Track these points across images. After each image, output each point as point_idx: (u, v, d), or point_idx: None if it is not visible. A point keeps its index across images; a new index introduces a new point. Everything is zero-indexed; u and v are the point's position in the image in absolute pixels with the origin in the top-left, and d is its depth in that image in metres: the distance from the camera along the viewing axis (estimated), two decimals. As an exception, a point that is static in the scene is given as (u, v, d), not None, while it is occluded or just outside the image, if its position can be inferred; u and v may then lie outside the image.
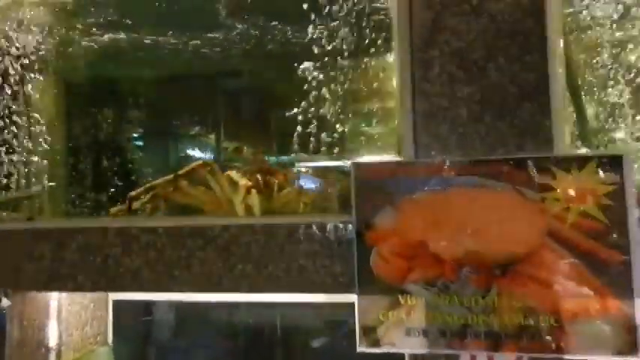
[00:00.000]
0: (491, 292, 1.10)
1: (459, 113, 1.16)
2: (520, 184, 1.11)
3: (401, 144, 1.23)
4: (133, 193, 1.40)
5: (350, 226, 1.20)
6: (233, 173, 1.40)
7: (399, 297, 1.14)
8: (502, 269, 1.11)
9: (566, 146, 1.11)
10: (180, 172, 1.40)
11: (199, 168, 1.41)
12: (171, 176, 1.41)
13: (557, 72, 1.11)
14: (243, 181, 1.35)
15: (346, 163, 1.42)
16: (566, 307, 1.08)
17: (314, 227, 1.22)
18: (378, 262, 1.16)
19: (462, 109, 1.15)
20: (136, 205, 1.40)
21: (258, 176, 1.42)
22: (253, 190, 1.34)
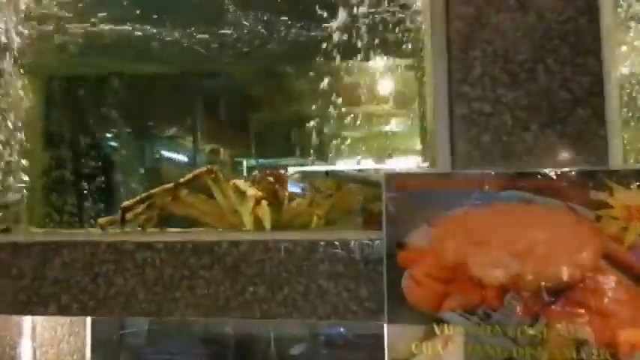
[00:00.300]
0: (539, 321, 0.98)
1: (502, 120, 1.03)
2: (572, 200, 0.99)
3: (435, 153, 1.09)
4: (127, 202, 1.23)
5: (378, 244, 1.05)
6: (240, 182, 1.24)
7: (435, 326, 1.01)
8: (552, 296, 0.97)
9: (623, 158, 0.98)
10: (182, 179, 1.24)
11: (203, 175, 1.25)
12: (171, 185, 1.25)
13: (614, 75, 0.98)
14: (252, 191, 1.20)
15: (358, 169, 1.28)
16: (623, 338, 0.95)
17: (337, 245, 1.07)
18: (410, 286, 1.03)
19: (506, 115, 1.03)
20: (129, 216, 1.23)
21: (270, 180, 1.27)
22: (263, 202, 1.19)
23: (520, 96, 1.05)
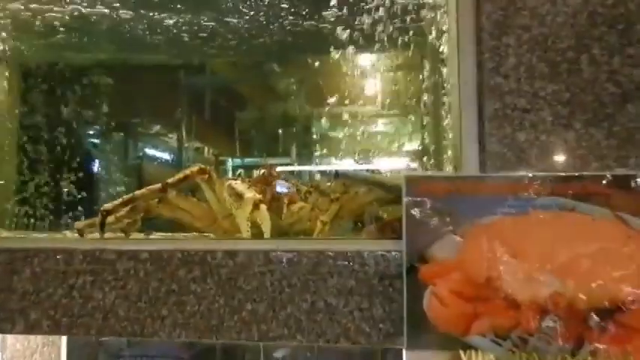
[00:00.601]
0: (583, 348, 0.85)
1: (541, 116, 0.90)
2: (622, 208, 0.86)
3: (460, 153, 0.95)
4: (108, 205, 1.08)
5: (396, 256, 0.91)
6: (236, 183, 1.09)
7: (461, 353, 0.87)
8: (598, 319, 0.84)
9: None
10: (171, 180, 1.09)
11: (194, 175, 1.10)
12: (158, 185, 1.10)
13: (669, 68, 0.85)
14: (250, 194, 1.06)
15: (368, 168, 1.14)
16: (679, 369, 0.82)
17: (348, 256, 0.93)
18: (434, 305, 0.89)
19: (545, 111, 0.90)
20: (110, 220, 1.08)
21: (269, 180, 1.12)
22: (262, 206, 1.05)
23: (561, 89, 0.92)
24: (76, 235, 1.22)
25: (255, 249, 1.00)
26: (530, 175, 0.91)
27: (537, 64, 0.93)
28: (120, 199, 1.11)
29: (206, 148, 6.75)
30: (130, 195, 1.11)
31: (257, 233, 1.13)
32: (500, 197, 0.92)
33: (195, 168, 1.14)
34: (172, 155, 5.80)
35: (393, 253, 0.96)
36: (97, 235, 1.18)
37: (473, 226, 0.92)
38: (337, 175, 1.08)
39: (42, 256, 1.05)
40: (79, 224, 1.22)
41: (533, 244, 0.91)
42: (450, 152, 1.31)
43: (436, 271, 0.93)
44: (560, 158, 0.92)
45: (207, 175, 1.15)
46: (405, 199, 0.94)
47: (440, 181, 0.94)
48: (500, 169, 0.93)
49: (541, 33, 0.94)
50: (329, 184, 1.21)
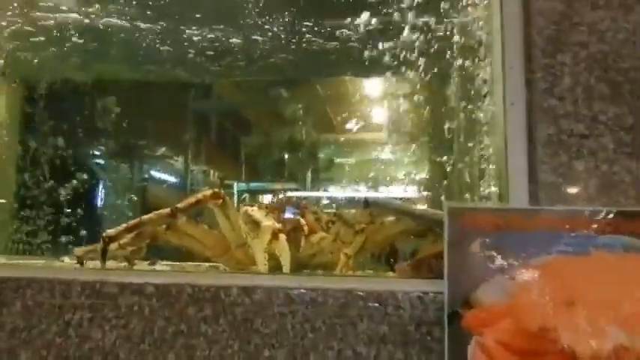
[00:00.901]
0: (653, 411, 0.71)
1: (601, 143, 0.79)
2: (698, 251, 0.74)
3: (506, 183, 0.84)
4: (111, 231, 0.97)
5: (436, 298, 0.80)
6: (253, 210, 0.98)
7: (512, 413, 0.74)
8: (671, 378, 0.72)
9: None
10: (181, 204, 0.98)
11: (207, 200, 0.99)
12: (167, 210, 0.99)
13: None
14: (268, 222, 0.95)
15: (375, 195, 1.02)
16: None
17: (381, 297, 0.81)
18: (480, 358, 0.76)
19: (606, 137, 0.79)
20: (113, 247, 0.97)
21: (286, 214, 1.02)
22: (282, 236, 0.94)
23: (624, 113, 0.82)
24: (75, 263, 1.11)
25: (274, 285, 0.89)
26: (590, 209, 0.80)
27: (596, 85, 0.83)
28: (124, 225, 1.00)
29: (211, 172, 6.66)
30: (136, 220, 1.00)
31: (274, 266, 1.02)
32: (555, 234, 0.81)
33: (208, 192, 1.04)
34: (178, 178, 5.71)
35: (432, 295, 0.85)
36: (98, 263, 1.06)
37: (525, 267, 0.81)
38: (367, 203, 0.97)
39: (35, 287, 0.94)
40: (78, 251, 1.12)
41: (595, 290, 0.79)
42: (483, 181, 1.20)
43: (483, 319, 0.81)
44: (623, 191, 0.80)
45: (221, 200, 1.04)
46: (447, 234, 0.82)
47: (487, 214, 0.83)
48: (555, 202, 0.82)
49: (600, 51, 0.84)
50: (353, 211, 1.10)
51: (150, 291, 0.91)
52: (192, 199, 1.03)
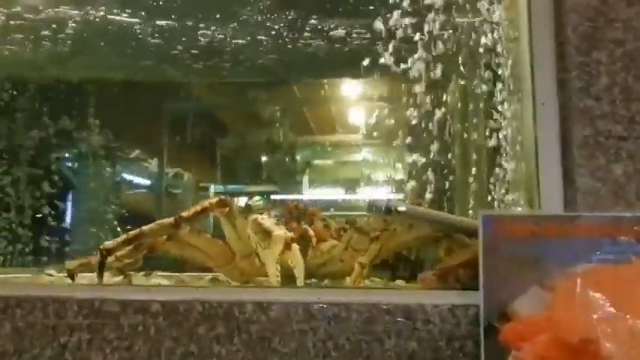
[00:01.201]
0: None
1: (640, 146, 0.74)
2: None
3: (536, 188, 0.79)
4: (109, 243, 0.89)
5: (469, 312, 0.74)
6: (263, 218, 0.91)
7: None
8: None
9: None
10: (186, 213, 0.91)
11: (212, 208, 0.92)
12: (170, 220, 0.92)
13: None
14: (280, 231, 0.88)
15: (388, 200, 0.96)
16: None
17: (409, 311, 0.76)
18: (518, 374, 0.71)
19: (646, 139, 0.74)
20: (111, 260, 0.89)
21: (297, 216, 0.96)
22: (294, 246, 0.87)
23: (664, 114, 0.76)
24: (65, 277, 1.03)
25: (292, 300, 0.83)
26: (630, 214, 0.76)
27: (634, 85, 0.79)
28: (123, 236, 0.92)
29: (186, 174, 6.52)
30: (136, 231, 0.92)
31: (286, 278, 0.95)
32: (595, 241, 0.77)
33: (214, 200, 0.96)
34: (152, 180, 5.56)
35: (463, 308, 0.79)
36: (91, 278, 0.98)
37: (563, 277, 0.76)
38: (389, 210, 0.91)
39: (26, 307, 0.86)
40: (70, 265, 1.03)
41: (638, 299, 0.74)
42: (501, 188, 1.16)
43: (521, 332, 0.76)
44: (666, 196, 0.76)
45: (227, 209, 0.97)
46: (482, 242, 0.77)
47: (523, 221, 0.77)
48: (593, 208, 0.78)
49: (636, 48, 0.80)
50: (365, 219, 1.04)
51: (155, 309, 0.84)
52: (197, 208, 0.96)
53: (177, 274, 1.23)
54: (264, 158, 6.13)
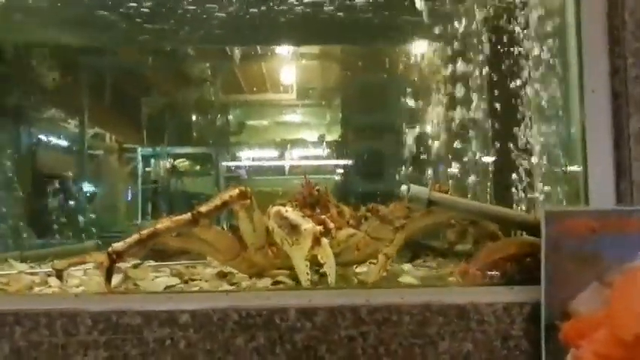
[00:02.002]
0: None
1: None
2: None
3: (585, 181, 0.76)
4: (118, 245, 0.78)
5: (525, 310, 0.71)
6: (288, 211, 0.83)
7: None
8: None
9: None
10: (205, 208, 0.81)
11: (234, 201, 0.83)
12: (187, 216, 0.82)
13: None
14: (308, 224, 0.81)
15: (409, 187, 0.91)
16: None
17: (463, 311, 0.72)
18: (578, 373, 0.70)
19: None
20: (120, 262, 0.78)
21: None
22: (324, 240, 0.80)
23: None
24: (48, 276, 0.90)
25: (338, 304, 0.76)
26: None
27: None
28: (135, 237, 0.81)
29: (108, 135, 6.13)
30: (150, 230, 0.81)
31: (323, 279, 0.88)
32: (652, 236, 0.75)
33: (234, 192, 0.86)
34: (72, 142, 5.19)
35: (518, 307, 0.76)
36: (84, 280, 0.86)
37: (623, 273, 0.74)
38: (431, 202, 0.85)
39: (27, 324, 0.74)
40: (57, 264, 0.90)
41: (694, 294, 0.74)
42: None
43: (580, 330, 0.75)
44: None
45: (248, 201, 0.87)
46: (544, 239, 0.73)
47: (584, 217, 0.74)
48: (647, 201, 0.76)
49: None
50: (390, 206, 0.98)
51: (184, 320, 0.74)
52: (216, 202, 0.85)
53: (168, 263, 1.12)
54: (193, 118, 5.88)
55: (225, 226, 1.06)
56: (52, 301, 0.76)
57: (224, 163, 5.74)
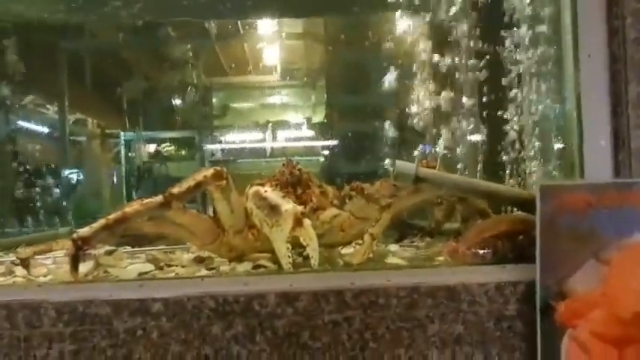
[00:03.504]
0: None
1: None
2: None
3: (577, 151, 0.72)
4: (84, 231, 0.73)
5: (519, 289, 0.68)
6: (267, 191, 0.79)
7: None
8: None
9: None
10: (177, 189, 0.76)
11: (208, 181, 0.78)
12: (158, 198, 0.76)
13: None
14: (289, 205, 0.76)
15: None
16: None
17: (453, 291, 0.68)
18: (574, 352, 0.67)
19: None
20: (88, 249, 0.73)
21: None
22: (306, 221, 0.75)
23: None
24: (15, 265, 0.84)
25: (322, 288, 0.71)
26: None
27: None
28: (101, 222, 0.75)
29: (90, 120, 6.01)
30: (117, 215, 0.76)
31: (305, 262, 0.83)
32: (650, 210, 0.71)
33: (209, 171, 0.80)
34: (52, 128, 5.07)
35: (512, 286, 0.72)
36: (62, 269, 0.81)
37: (618, 248, 0.71)
38: (418, 178, 0.80)
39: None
40: (22, 252, 0.84)
41: (694, 269, 0.71)
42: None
43: (576, 310, 0.71)
44: None
45: (224, 182, 0.81)
46: (540, 215, 0.69)
47: (580, 192, 0.70)
48: (645, 173, 0.72)
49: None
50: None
51: (157, 308, 0.70)
52: (190, 182, 0.80)
53: (145, 249, 1.07)
54: (177, 101, 5.78)
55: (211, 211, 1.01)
56: (13, 292, 0.70)
57: (208, 146, 5.66)
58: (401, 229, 1.12)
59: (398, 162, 0.83)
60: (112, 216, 0.76)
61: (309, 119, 6.28)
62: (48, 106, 5.12)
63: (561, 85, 0.84)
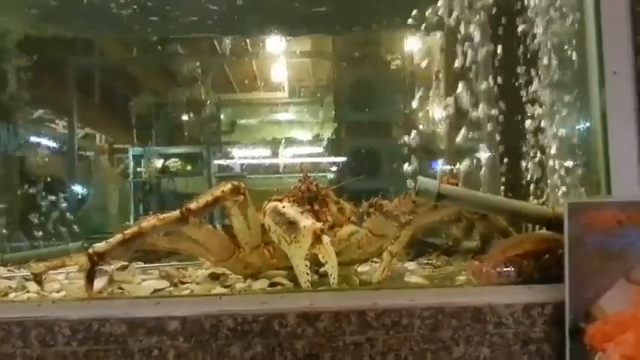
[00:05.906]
0: None
1: None
2: None
3: (603, 167, 0.70)
4: (100, 246, 0.71)
5: (546, 311, 0.65)
6: (285, 206, 0.77)
7: None
8: None
9: None
10: (194, 205, 0.75)
11: (226, 197, 0.76)
12: (175, 213, 0.74)
13: None
14: (308, 221, 0.74)
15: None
16: None
17: (479, 313, 0.65)
18: (605, 379, 0.64)
19: None
20: (102, 264, 0.71)
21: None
22: (325, 237, 0.73)
23: None
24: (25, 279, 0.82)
25: (343, 307, 0.69)
26: None
27: None
28: (118, 237, 0.73)
29: (98, 136, 6.03)
30: (133, 230, 0.74)
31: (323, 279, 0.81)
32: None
33: (226, 187, 0.79)
34: (61, 143, 5.08)
35: (539, 307, 0.69)
36: (65, 284, 0.79)
37: (651, 269, 0.68)
38: (441, 195, 0.78)
39: (0, 333, 0.66)
40: (35, 268, 0.82)
41: None
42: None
43: (606, 332, 0.68)
44: None
45: (242, 197, 0.80)
46: (567, 234, 0.67)
47: (609, 209, 0.68)
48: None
49: None
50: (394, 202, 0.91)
51: (174, 327, 0.67)
52: (207, 198, 0.78)
53: (157, 265, 1.05)
54: (185, 117, 5.80)
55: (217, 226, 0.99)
56: (26, 309, 0.68)
57: (215, 162, 5.65)
58: (416, 247, 1.10)
59: (420, 178, 0.81)
60: (129, 231, 0.74)
61: (317, 136, 6.28)
62: (57, 121, 5.14)
63: (586, 103, 0.82)
